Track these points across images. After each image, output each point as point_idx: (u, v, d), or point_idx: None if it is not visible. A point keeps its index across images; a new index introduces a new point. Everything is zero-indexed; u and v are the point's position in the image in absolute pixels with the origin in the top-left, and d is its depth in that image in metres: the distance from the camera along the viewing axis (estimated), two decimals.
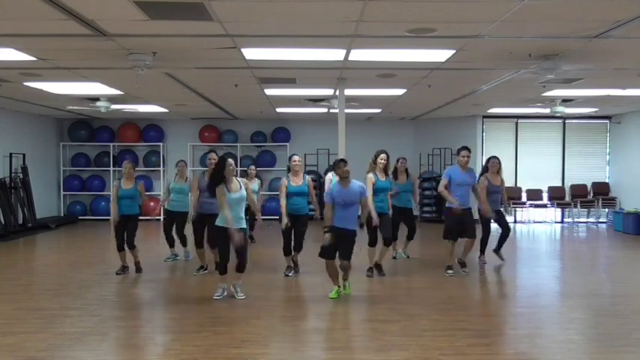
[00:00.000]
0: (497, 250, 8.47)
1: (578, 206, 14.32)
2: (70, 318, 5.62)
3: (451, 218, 7.63)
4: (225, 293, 6.38)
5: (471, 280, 7.52)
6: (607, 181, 14.72)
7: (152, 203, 13.96)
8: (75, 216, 14.75)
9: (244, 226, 6.24)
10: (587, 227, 13.97)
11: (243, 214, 6.22)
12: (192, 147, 15.27)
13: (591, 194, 14.54)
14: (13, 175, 12.47)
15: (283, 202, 7.29)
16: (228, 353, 4.61)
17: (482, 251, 8.25)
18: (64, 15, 5.04)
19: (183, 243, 8.71)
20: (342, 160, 6.29)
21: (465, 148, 7.81)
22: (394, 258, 8.56)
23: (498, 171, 8.19)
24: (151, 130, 15.14)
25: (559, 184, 14.70)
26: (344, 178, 6.18)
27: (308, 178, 7.60)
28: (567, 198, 14.52)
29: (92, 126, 15.01)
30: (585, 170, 14.76)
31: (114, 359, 4.62)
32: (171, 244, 8.74)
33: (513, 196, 13.63)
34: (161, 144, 15.18)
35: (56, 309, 5.96)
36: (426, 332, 5.14)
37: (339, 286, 6.42)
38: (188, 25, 5.52)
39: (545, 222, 14.52)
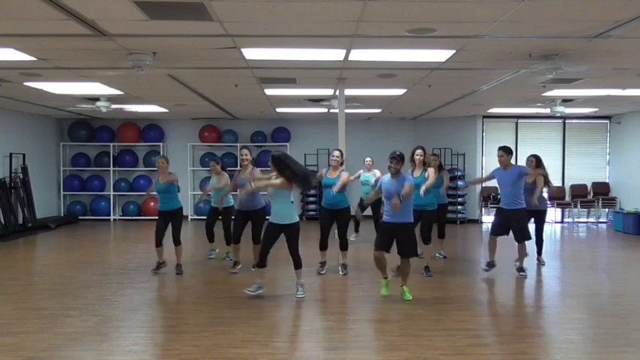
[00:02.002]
0: (538, 260, 8.59)
1: (578, 206, 14.32)
2: (70, 318, 5.63)
3: (497, 215, 7.82)
4: (260, 291, 6.45)
5: (471, 280, 7.53)
6: (607, 181, 14.72)
7: (152, 203, 13.98)
8: (75, 216, 14.75)
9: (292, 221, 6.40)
10: (587, 227, 13.97)
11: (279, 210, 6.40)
12: (192, 147, 15.26)
13: (591, 194, 14.55)
14: (13, 175, 12.47)
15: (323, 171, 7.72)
16: (228, 353, 4.62)
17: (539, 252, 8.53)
18: (64, 15, 5.04)
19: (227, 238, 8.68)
20: (400, 155, 6.32)
21: (500, 148, 7.74)
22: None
23: (537, 168, 8.21)
24: (151, 130, 15.13)
25: (559, 184, 14.68)
26: (394, 173, 6.31)
27: (344, 173, 7.60)
28: (567, 198, 14.53)
29: (92, 126, 15.01)
30: (585, 170, 14.76)
31: (114, 359, 4.62)
32: (211, 239, 8.94)
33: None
34: (161, 144, 15.17)
35: (56, 309, 5.97)
36: (426, 332, 5.14)
37: (387, 278, 6.53)
38: (188, 25, 5.51)
39: (546, 222, 14.49)
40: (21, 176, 12.73)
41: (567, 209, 14.49)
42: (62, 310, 5.91)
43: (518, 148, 14.40)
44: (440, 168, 8.54)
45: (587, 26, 5.54)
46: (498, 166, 7.73)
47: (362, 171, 9.93)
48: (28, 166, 12.96)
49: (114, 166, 14.98)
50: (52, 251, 10.69)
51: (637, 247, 10.69)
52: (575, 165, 14.78)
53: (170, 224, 7.73)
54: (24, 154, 12.95)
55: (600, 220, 14.33)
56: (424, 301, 6.37)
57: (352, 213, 7.59)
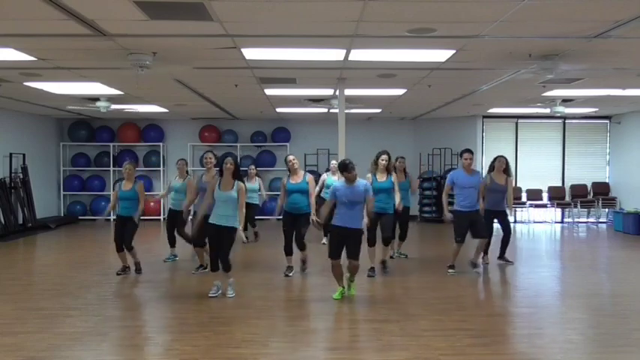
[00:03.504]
0: (501, 256, 8.49)
1: (578, 206, 14.32)
2: (70, 318, 5.62)
3: (460, 219, 7.66)
4: (220, 291, 6.47)
5: (471, 280, 7.53)
6: (607, 181, 14.71)
7: (152, 203, 13.98)
8: (75, 216, 14.75)
9: (227, 224, 6.26)
10: (587, 227, 13.97)
11: (231, 213, 6.26)
12: (192, 147, 15.26)
13: (591, 194, 14.54)
14: (13, 175, 12.47)
15: (281, 201, 7.54)
16: (228, 353, 4.62)
17: (486, 252, 8.27)
18: (64, 15, 5.04)
19: (188, 241, 8.51)
20: (350, 163, 6.15)
21: (467, 150, 7.90)
22: (392, 257, 8.55)
23: (505, 170, 8.21)
24: (151, 130, 15.13)
25: (559, 184, 14.69)
26: (350, 180, 6.13)
27: (309, 176, 7.56)
28: (567, 198, 14.52)
29: (92, 126, 15.01)
30: (585, 170, 14.75)
31: (114, 359, 4.62)
32: (172, 244, 8.73)
33: (514, 197, 13.62)
34: (161, 144, 15.18)
35: (56, 309, 5.96)
36: (426, 332, 5.14)
37: (343, 287, 6.41)
38: (188, 25, 5.52)
39: (545, 222, 14.52)
40: (21, 176, 12.72)
41: (567, 209, 14.48)
42: (62, 310, 5.91)
43: (518, 148, 14.41)
44: (404, 172, 8.69)
45: (587, 26, 5.54)
46: (457, 170, 7.84)
47: (325, 175, 10.08)
48: (28, 166, 12.96)
49: (114, 166, 14.96)
50: (52, 251, 10.69)
51: (637, 247, 10.68)
52: (575, 165, 14.77)
53: (124, 230, 7.71)
54: (24, 154, 12.95)
55: (600, 220, 14.32)
56: (424, 301, 6.37)
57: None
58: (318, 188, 9.19)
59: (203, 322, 5.47)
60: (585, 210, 14.58)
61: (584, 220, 14.53)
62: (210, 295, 6.38)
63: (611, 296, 6.95)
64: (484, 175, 8.38)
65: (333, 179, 9.72)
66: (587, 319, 5.84)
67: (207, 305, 6.13)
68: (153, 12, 5.03)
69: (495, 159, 8.32)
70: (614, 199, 14.23)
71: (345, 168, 6.12)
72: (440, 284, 7.23)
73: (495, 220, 8.32)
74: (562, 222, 14.59)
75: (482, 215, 7.76)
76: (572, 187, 14.61)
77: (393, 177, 7.53)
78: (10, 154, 12.48)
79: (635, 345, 4.97)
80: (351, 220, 6.13)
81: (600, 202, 14.24)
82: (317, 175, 13.76)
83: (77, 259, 9.19)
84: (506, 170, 8.26)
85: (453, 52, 6.69)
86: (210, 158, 7.77)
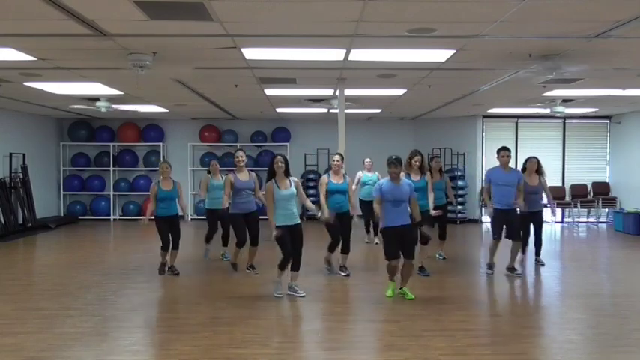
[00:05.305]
0: (536, 257, 8.50)
1: (578, 206, 14.32)
2: (70, 318, 5.63)
3: (496, 217, 7.64)
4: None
5: (471, 280, 7.53)
6: (607, 181, 14.72)
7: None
8: (75, 216, 14.75)
9: (298, 221, 6.44)
10: (587, 227, 13.97)
11: (295, 210, 6.44)
12: (192, 147, 15.27)
13: (591, 194, 14.54)
14: (13, 175, 12.47)
15: (323, 198, 7.34)
16: (228, 353, 4.62)
17: (523, 250, 8.26)
18: (64, 15, 5.04)
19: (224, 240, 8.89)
20: (397, 159, 6.20)
21: (505, 148, 7.83)
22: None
23: (537, 171, 8.22)
24: (151, 130, 15.13)
25: (559, 184, 14.69)
26: (395, 178, 6.18)
27: (349, 178, 7.65)
28: (567, 198, 14.52)
29: (92, 126, 15.01)
30: (585, 170, 14.76)
31: (114, 359, 4.62)
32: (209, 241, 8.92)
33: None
34: (161, 144, 15.17)
35: (56, 309, 5.97)
36: (426, 332, 5.14)
37: (394, 281, 6.43)
38: (188, 25, 5.52)
39: (545, 222, 14.48)
40: (21, 176, 12.73)
41: (567, 209, 14.48)
42: (62, 310, 5.91)
43: (518, 148, 14.41)
44: (440, 172, 8.74)
45: (587, 26, 5.54)
46: (493, 166, 7.75)
47: (361, 173, 10.04)
48: (28, 166, 12.96)
49: (114, 166, 14.98)
50: (52, 251, 10.69)
51: (637, 247, 10.68)
52: (575, 165, 14.78)
53: (172, 229, 7.70)
54: (24, 154, 12.95)
55: (600, 220, 14.32)
56: (424, 301, 6.37)
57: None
58: (354, 186, 9.24)
59: (203, 322, 5.47)
60: (585, 210, 14.58)
61: (584, 220, 14.53)
62: (277, 295, 6.43)
63: (611, 296, 6.95)
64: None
65: (369, 176, 9.81)
66: (587, 319, 5.84)
67: (207, 305, 6.14)
68: (153, 12, 5.03)
69: (527, 160, 8.32)
70: (614, 199, 14.23)
71: (399, 162, 6.16)
72: (440, 284, 7.23)
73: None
74: (562, 222, 14.58)
75: (518, 216, 7.73)
76: (572, 187, 14.62)
77: (427, 177, 7.49)
78: (10, 154, 12.48)
79: (635, 345, 4.97)
80: (400, 218, 6.16)
81: (600, 202, 14.24)
82: (317, 175, 13.88)
83: (77, 259, 9.19)
84: (539, 170, 8.25)
85: (453, 52, 6.69)
86: (242, 157, 7.77)
